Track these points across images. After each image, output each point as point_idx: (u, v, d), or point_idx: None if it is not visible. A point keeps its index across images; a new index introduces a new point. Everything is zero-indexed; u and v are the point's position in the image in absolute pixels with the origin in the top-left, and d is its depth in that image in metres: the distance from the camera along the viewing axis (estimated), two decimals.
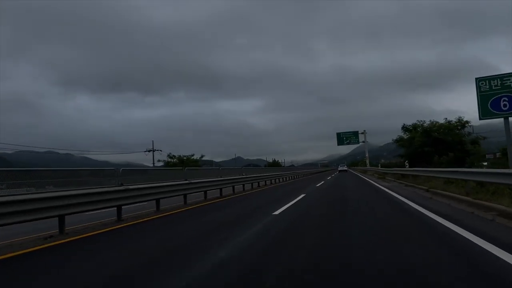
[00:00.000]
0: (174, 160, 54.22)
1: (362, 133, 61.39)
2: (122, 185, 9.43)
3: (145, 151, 67.40)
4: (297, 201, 12.24)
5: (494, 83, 12.98)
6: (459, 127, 28.86)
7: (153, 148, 66.51)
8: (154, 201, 11.06)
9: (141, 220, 9.15)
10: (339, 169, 77.00)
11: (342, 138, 60.84)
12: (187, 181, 13.43)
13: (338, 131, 61.53)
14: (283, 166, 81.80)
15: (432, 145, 27.58)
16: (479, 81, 13.19)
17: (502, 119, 12.81)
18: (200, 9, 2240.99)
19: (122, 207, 9.41)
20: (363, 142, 61.68)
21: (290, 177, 38.06)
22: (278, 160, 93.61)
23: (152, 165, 57.39)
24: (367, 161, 63.52)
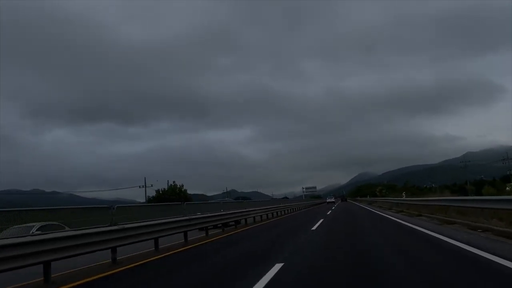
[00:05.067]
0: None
1: None
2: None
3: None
4: None
5: None
6: None
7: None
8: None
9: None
10: (327, 200, 75.50)
11: None
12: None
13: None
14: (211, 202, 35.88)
15: None
16: None
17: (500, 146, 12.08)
18: (175, 27, 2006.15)
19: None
20: None
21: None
22: (183, 189, 44.34)
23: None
24: None
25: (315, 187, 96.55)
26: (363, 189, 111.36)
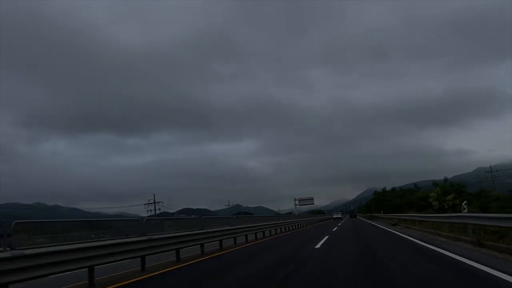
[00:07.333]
0: None
1: None
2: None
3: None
4: None
5: None
6: None
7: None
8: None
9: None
10: (333, 216, 72.51)
11: None
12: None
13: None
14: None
15: None
16: None
17: None
18: (175, 33, 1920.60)
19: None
20: None
21: None
22: None
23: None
24: None
25: (312, 199, 75.73)
26: (389, 197, 64.52)
